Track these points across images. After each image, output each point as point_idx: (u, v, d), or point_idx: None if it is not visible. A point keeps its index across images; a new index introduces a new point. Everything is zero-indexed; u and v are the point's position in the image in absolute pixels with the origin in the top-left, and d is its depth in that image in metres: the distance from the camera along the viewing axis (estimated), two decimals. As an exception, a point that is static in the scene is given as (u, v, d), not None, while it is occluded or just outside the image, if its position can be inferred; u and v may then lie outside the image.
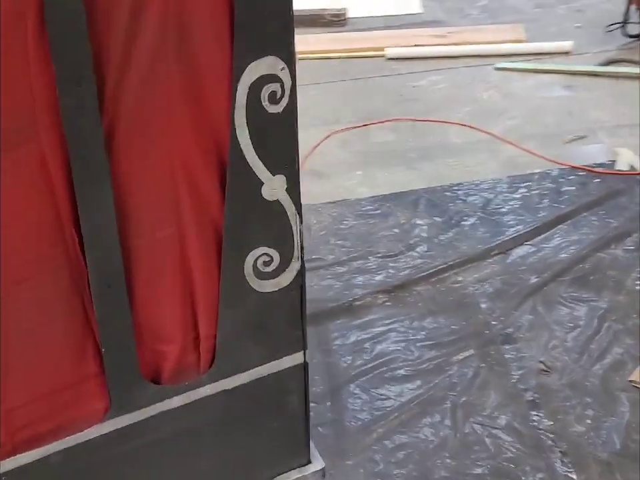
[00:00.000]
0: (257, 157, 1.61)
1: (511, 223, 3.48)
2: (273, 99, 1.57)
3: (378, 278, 3.20)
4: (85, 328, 1.62)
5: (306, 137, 4.34)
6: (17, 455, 1.64)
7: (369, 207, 3.71)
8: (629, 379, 2.56)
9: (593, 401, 2.50)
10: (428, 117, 4.57)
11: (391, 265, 3.28)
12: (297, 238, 1.76)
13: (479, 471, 2.30)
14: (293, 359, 1.92)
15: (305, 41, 5.83)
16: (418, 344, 2.82)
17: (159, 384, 1.77)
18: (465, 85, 4.99)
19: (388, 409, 2.55)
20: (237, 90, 1.52)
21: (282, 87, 1.56)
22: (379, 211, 3.66)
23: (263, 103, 1.56)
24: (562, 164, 3.91)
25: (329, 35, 6.01)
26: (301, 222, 1.75)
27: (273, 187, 1.67)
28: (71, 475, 1.76)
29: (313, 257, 3.36)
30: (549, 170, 3.87)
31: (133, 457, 1.81)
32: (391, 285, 3.13)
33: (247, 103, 1.54)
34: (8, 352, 1.53)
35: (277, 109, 1.58)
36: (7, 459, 1.64)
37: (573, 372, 2.63)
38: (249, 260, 1.73)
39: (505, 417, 2.47)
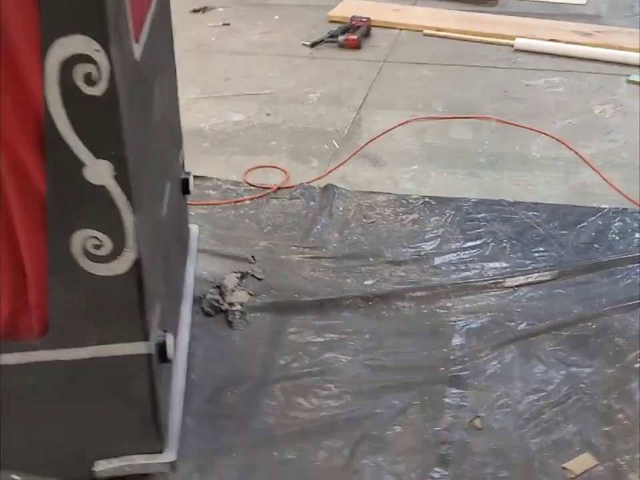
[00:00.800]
0: (76, 137, 1.56)
1: (540, 257, 3.12)
2: (89, 81, 1.50)
3: (367, 282, 3.02)
4: None
5: (384, 119, 4.20)
6: None
7: (401, 207, 3.49)
8: (563, 466, 2.23)
9: (508, 477, 2.21)
10: (522, 121, 4.19)
11: (388, 271, 3.08)
12: (129, 227, 1.69)
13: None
14: (133, 348, 1.87)
15: (433, 16, 5.55)
16: (365, 362, 2.64)
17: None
18: (584, 93, 4.50)
19: (296, 419, 2.42)
20: (46, 66, 1.47)
21: (98, 69, 1.48)
22: (408, 214, 3.43)
23: (78, 83, 1.50)
24: (637, 204, 3.41)
25: (463, 13, 5.66)
26: (134, 212, 1.67)
27: (97, 171, 1.60)
28: None
29: (318, 244, 3.24)
30: (618, 207, 3.40)
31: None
32: (374, 294, 2.94)
33: (60, 81, 1.49)
34: None
35: (94, 91, 1.51)
36: None
37: (506, 439, 2.33)
38: (76, 240, 1.70)
39: (405, 466, 2.25)
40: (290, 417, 2.44)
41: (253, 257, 3.19)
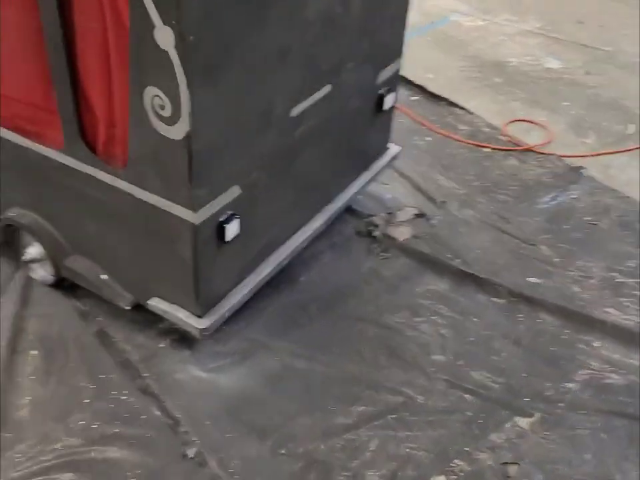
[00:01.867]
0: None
1: None
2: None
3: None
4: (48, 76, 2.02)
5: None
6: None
7: None
8: None
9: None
10: None
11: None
12: (184, 99, 1.75)
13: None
14: (183, 213, 1.98)
15: None
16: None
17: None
18: None
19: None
20: None
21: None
22: None
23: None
24: None
25: None
26: (193, 86, 1.73)
27: (163, 36, 1.68)
28: (31, 177, 2.29)
29: (521, 226, 2.93)
30: None
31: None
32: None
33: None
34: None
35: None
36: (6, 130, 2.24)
37: None
38: (147, 94, 1.82)
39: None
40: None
41: (443, 202, 3.01)
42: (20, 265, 2.60)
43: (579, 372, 2.34)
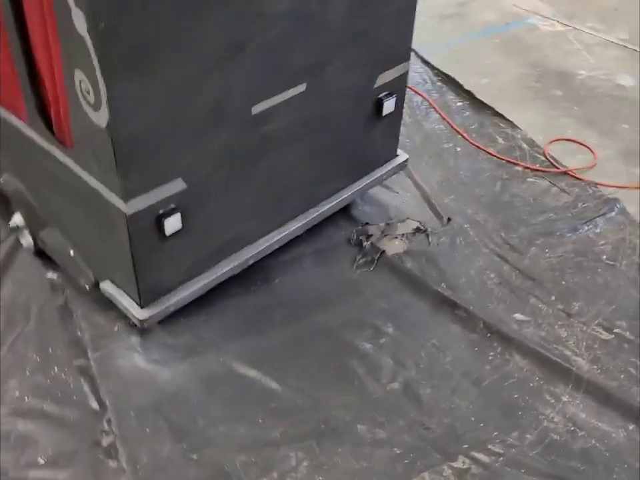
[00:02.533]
0: (64, -17, 1.61)
1: None
2: None
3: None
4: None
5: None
6: None
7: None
8: None
9: None
10: None
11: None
12: (101, 85, 1.71)
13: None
14: (117, 202, 1.95)
15: None
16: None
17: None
18: None
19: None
20: None
21: None
22: None
23: None
24: None
25: None
26: (105, 72, 1.69)
27: (78, 20, 1.65)
28: (13, 146, 2.36)
29: (532, 264, 2.70)
30: None
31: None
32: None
33: None
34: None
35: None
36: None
37: None
38: (76, 77, 1.79)
39: None
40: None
41: (449, 219, 2.82)
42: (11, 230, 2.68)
43: (535, 426, 2.12)
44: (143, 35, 1.71)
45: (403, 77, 2.53)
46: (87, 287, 2.37)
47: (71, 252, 2.41)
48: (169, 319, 2.39)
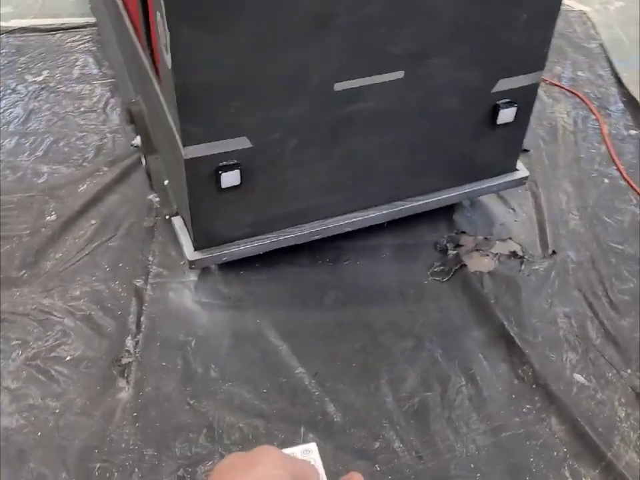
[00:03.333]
0: None
1: None
2: None
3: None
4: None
5: None
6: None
7: None
8: None
9: None
10: None
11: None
12: (165, 28, 1.77)
13: None
14: (179, 143, 2.02)
15: None
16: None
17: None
18: None
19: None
20: None
21: None
22: None
23: None
24: None
25: None
26: (169, 15, 1.74)
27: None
28: (138, 70, 2.48)
29: None
30: None
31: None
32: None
33: None
34: None
35: None
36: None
37: None
38: (157, 17, 1.87)
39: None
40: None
41: (554, 252, 2.56)
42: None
43: (535, 500, 1.91)
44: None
45: (532, 88, 2.30)
46: (168, 217, 2.49)
47: (165, 182, 2.55)
48: (230, 268, 2.46)
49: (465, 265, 2.49)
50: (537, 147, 3.02)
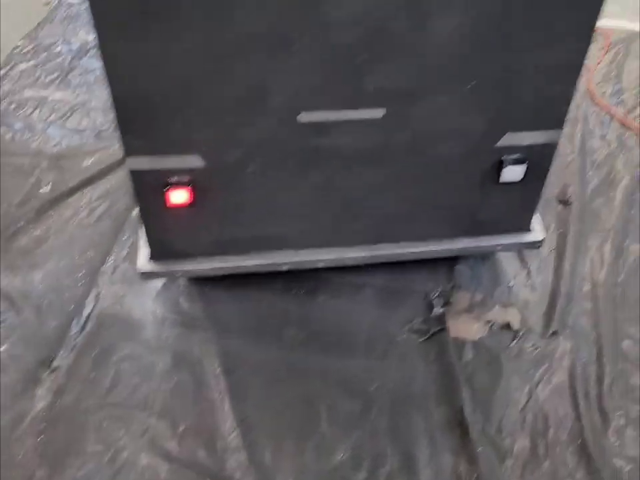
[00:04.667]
0: None
1: None
2: None
3: None
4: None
5: None
6: None
7: None
8: None
9: None
10: None
11: None
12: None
13: None
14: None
15: None
16: None
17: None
18: None
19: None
20: None
21: None
22: None
23: None
24: None
25: None
26: (95, 18, 1.56)
27: None
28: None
29: None
30: None
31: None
32: None
33: None
34: None
35: None
36: None
37: None
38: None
39: None
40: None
41: (554, 332, 2.21)
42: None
43: None
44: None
45: (547, 147, 1.95)
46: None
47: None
48: (197, 282, 2.31)
49: (443, 329, 2.20)
50: (583, 198, 2.63)
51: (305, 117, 1.79)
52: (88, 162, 2.76)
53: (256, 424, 1.99)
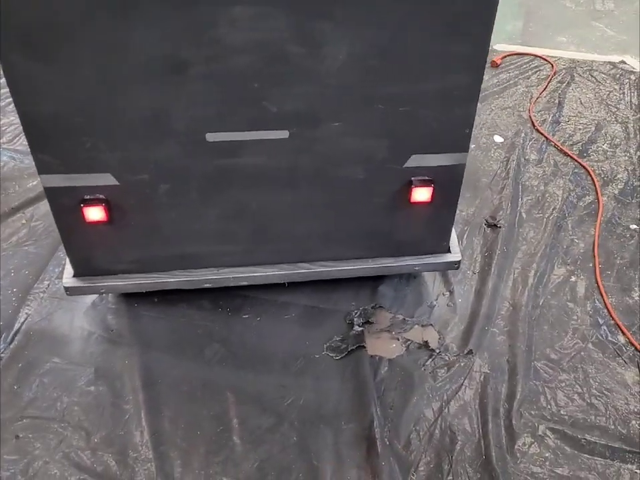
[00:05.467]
0: None
1: None
2: None
3: None
4: None
5: None
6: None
7: None
8: None
9: None
10: None
11: None
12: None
13: None
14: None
15: None
16: None
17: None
18: None
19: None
20: None
21: None
22: None
23: None
24: None
25: None
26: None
27: None
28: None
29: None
30: None
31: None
32: None
33: None
34: None
35: None
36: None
37: None
38: None
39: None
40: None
41: (470, 351, 2.25)
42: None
43: None
44: (45, 16, 1.59)
45: (456, 169, 2.01)
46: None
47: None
48: (126, 298, 2.38)
49: (362, 346, 2.25)
50: (512, 223, 2.69)
51: (212, 137, 1.86)
52: (32, 183, 2.83)
53: (168, 437, 2.03)
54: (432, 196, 2.05)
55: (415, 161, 1.98)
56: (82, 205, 1.96)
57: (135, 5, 1.60)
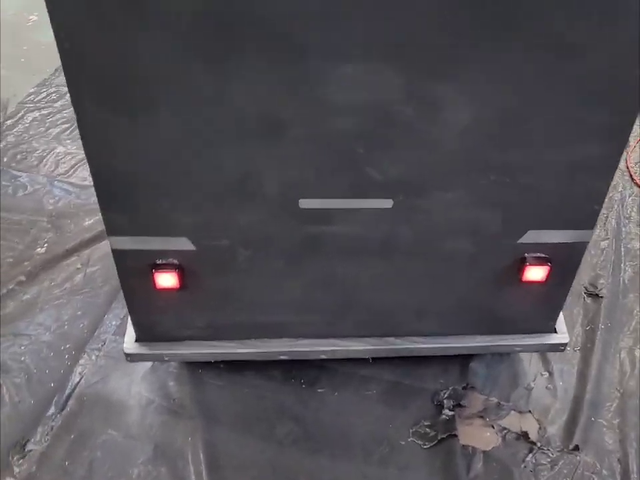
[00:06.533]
0: None
1: None
2: None
3: None
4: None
5: None
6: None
7: None
8: None
9: None
10: None
11: None
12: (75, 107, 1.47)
13: None
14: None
15: None
16: None
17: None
18: None
19: None
20: None
21: None
22: None
23: None
24: None
25: None
26: (71, 92, 1.43)
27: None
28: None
29: None
30: None
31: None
32: None
33: None
34: None
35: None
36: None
37: None
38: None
39: None
40: None
41: (576, 447, 1.98)
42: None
43: None
44: (123, 67, 1.37)
45: (576, 247, 1.75)
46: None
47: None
48: (189, 363, 2.14)
49: (454, 436, 1.99)
50: (615, 292, 2.41)
51: (305, 204, 1.63)
52: (90, 221, 2.64)
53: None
54: (547, 275, 1.79)
55: (532, 236, 1.73)
56: (153, 270, 1.75)
57: (236, 58, 1.37)
